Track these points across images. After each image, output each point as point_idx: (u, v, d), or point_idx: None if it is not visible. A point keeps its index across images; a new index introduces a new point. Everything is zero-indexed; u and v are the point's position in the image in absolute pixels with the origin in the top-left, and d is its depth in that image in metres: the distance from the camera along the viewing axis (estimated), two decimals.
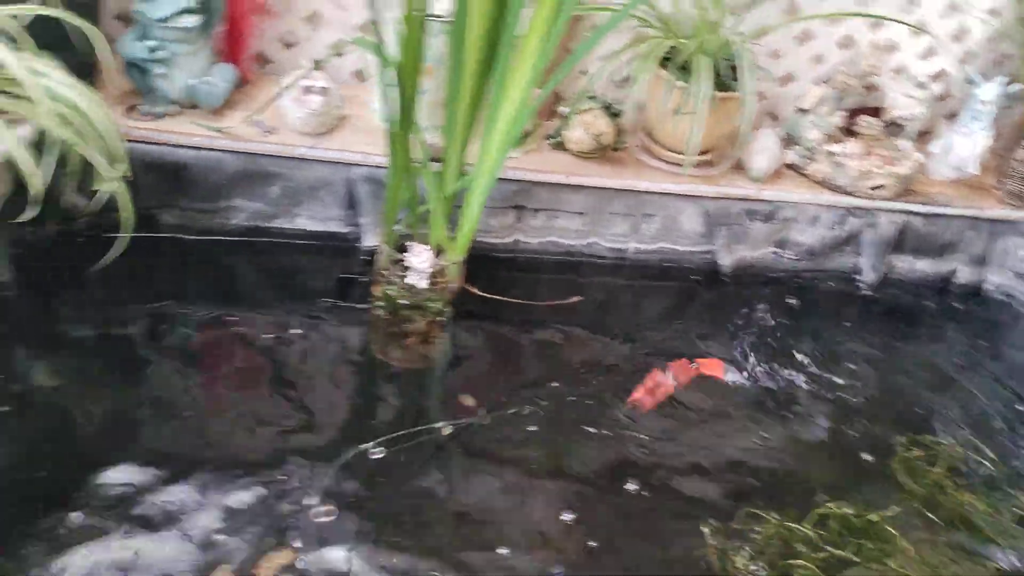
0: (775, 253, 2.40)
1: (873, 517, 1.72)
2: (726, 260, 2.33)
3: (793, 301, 2.35)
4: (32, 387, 1.63)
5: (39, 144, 1.47)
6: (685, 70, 2.04)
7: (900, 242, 2.43)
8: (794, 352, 2.16)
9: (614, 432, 1.83)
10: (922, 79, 2.38)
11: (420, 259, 1.93)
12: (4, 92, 1.38)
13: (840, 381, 2.10)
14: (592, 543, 1.57)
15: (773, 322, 2.25)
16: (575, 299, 2.14)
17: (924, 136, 2.61)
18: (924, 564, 1.66)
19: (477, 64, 1.79)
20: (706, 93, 1.92)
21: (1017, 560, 1.73)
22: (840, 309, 2.40)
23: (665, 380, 1.99)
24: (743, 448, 1.87)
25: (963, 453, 1.95)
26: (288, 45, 2.21)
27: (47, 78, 1.37)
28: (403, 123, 1.78)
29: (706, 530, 1.63)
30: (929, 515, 1.77)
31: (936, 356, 2.28)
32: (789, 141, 2.38)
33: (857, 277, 2.45)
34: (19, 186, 1.55)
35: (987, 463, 1.94)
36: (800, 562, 1.60)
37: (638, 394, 1.93)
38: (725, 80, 2.05)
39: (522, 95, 1.78)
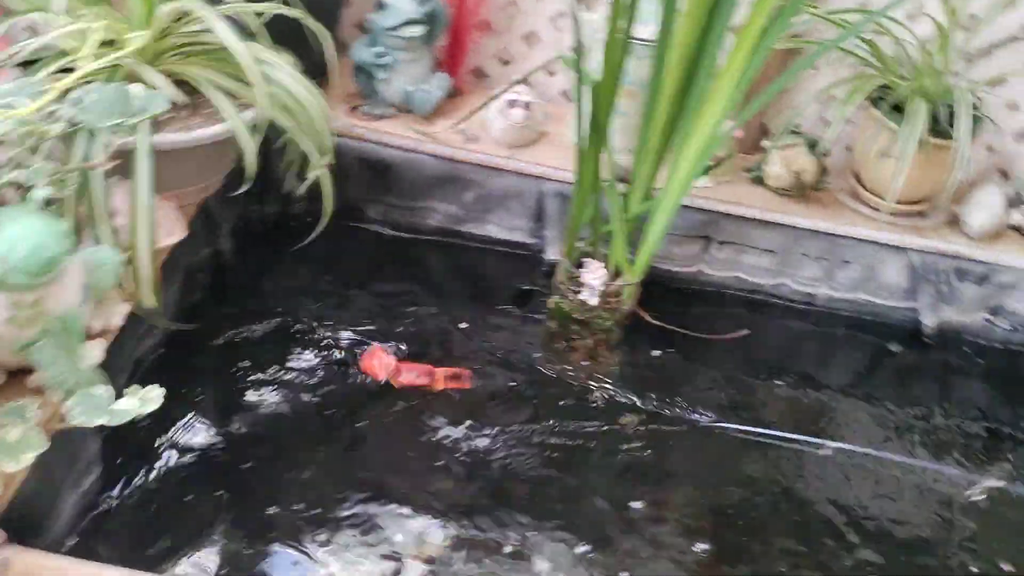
0: (988, 320, 2.19)
1: None
2: (931, 321, 2.16)
3: (996, 376, 2.14)
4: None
5: (266, 130, 1.66)
6: (900, 112, 1.93)
7: None
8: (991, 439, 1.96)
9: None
10: None
11: (594, 276, 1.96)
12: (237, 78, 1.57)
13: None
14: None
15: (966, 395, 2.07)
16: (743, 333, 2.08)
17: None
18: None
19: (674, 89, 1.80)
20: (915, 137, 1.80)
21: None
22: None
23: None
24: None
25: None
26: (504, 62, 2.33)
27: (274, 68, 1.55)
28: (594, 141, 1.83)
29: None
30: None
31: None
32: (1018, 201, 2.17)
33: None
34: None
35: None
36: None
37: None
38: (944, 127, 1.91)
39: (714, 124, 1.76)
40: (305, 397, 1.76)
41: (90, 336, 1.36)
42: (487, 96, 2.12)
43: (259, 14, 1.63)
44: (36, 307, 1.20)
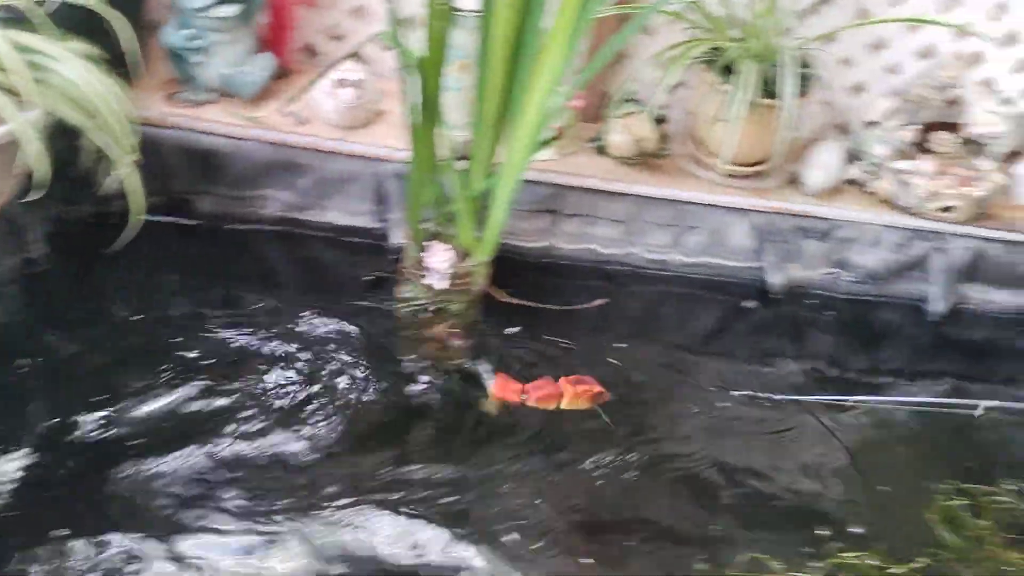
0: (832, 274, 2.24)
1: (896, 569, 1.57)
2: (777, 279, 2.19)
3: (846, 327, 2.20)
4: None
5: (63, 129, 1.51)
6: (735, 73, 1.92)
7: (973, 270, 2.23)
8: (826, 382, 2.02)
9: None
10: (1009, 94, 2.16)
11: (438, 259, 1.89)
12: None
13: (888, 418, 1.95)
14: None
15: (818, 347, 2.11)
16: (600, 302, 2.06)
17: (1015, 157, 2.38)
18: None
19: (503, 61, 1.73)
20: (745, 98, 1.80)
21: None
22: (902, 339, 2.22)
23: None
24: (754, 473, 1.76)
25: (1019, 507, 1.76)
26: (335, 38, 2.21)
27: (54, 60, 1.40)
28: (426, 118, 1.74)
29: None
30: (964, 572, 1.61)
31: (1006, 399, 2.07)
32: (854, 156, 2.22)
33: (925, 306, 2.26)
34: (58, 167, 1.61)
35: None
36: None
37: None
38: (777, 88, 1.91)
39: (546, 94, 1.71)
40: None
41: None
42: (315, 75, 2.00)
43: (39, 2, 1.47)
44: None
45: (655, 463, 1.74)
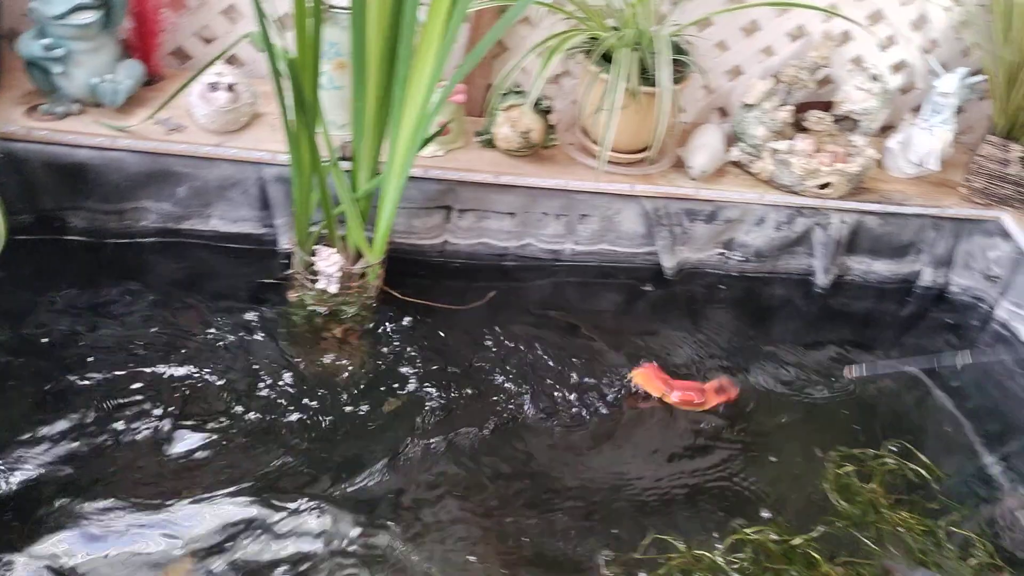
0: (721, 255, 2.29)
1: (795, 540, 1.61)
2: (669, 262, 2.23)
3: (737, 303, 2.26)
4: None
5: None
6: (613, 62, 1.94)
7: (853, 243, 2.31)
8: (723, 357, 2.06)
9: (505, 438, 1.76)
10: (877, 71, 2.25)
11: (327, 263, 1.85)
12: None
13: (780, 391, 2.00)
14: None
15: (713, 325, 2.16)
16: (491, 295, 2.06)
17: (887, 131, 2.49)
18: None
19: (380, 57, 1.70)
20: (621, 86, 1.82)
21: None
22: (790, 311, 2.29)
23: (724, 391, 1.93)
24: (648, 462, 1.78)
25: (902, 467, 1.84)
26: (207, 40, 2.13)
27: None
28: (302, 120, 1.70)
29: (601, 561, 1.54)
30: (860, 536, 1.67)
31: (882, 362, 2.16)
32: (735, 138, 2.27)
33: (811, 279, 2.34)
34: None
35: (930, 477, 1.82)
36: None
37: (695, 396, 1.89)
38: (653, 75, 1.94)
39: (426, 90, 1.69)
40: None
41: None
42: (187, 80, 1.93)
43: None
44: None
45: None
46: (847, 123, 2.29)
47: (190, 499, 1.51)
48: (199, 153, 1.91)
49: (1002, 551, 1.70)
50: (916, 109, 2.52)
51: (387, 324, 1.97)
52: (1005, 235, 2.35)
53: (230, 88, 1.89)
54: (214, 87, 1.88)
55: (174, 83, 2.02)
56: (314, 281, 1.89)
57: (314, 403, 1.75)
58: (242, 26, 2.11)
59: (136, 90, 1.93)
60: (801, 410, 1.95)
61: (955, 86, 2.25)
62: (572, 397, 1.88)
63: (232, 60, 2.09)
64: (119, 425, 1.61)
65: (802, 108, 2.27)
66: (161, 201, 1.96)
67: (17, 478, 1.48)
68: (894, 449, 1.86)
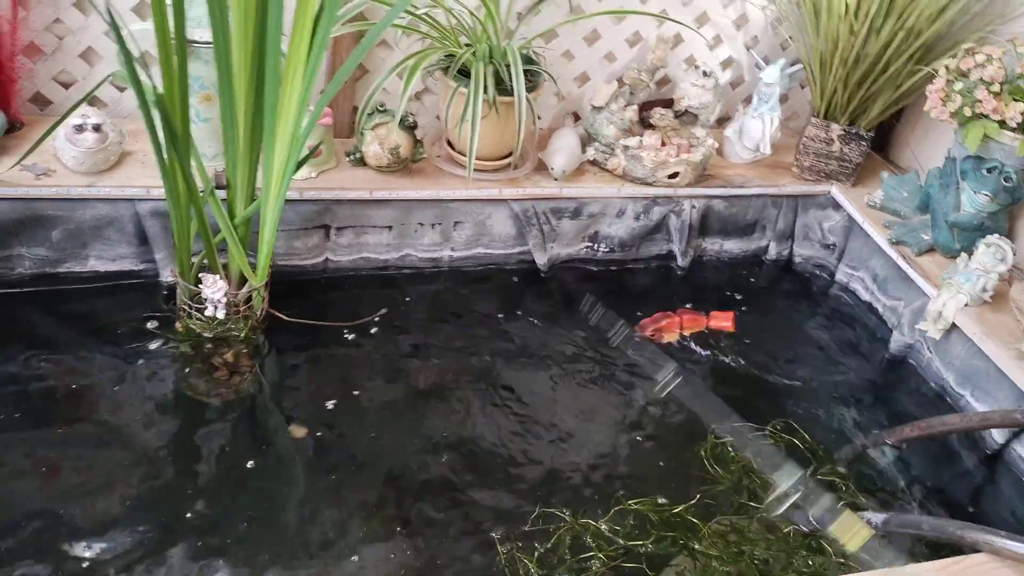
0: (589, 247, 2.46)
1: (676, 508, 1.77)
2: (541, 259, 2.38)
3: (609, 290, 2.43)
4: None
5: None
6: (471, 76, 2.07)
7: (705, 225, 2.53)
8: (593, 340, 2.23)
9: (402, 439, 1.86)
10: (709, 68, 2.48)
11: (213, 289, 1.89)
12: None
13: (661, 364, 2.17)
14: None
15: (587, 313, 2.32)
16: (381, 312, 2.14)
17: (724, 122, 2.73)
18: (728, 545, 1.71)
19: (246, 88, 1.77)
20: (479, 97, 1.95)
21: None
22: (657, 292, 2.48)
23: (673, 321, 2.29)
24: (534, 443, 1.91)
25: (779, 438, 2.02)
26: (66, 85, 2.14)
27: None
28: (174, 153, 1.75)
29: (496, 536, 1.65)
30: (733, 498, 1.83)
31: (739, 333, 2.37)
32: (589, 138, 2.45)
33: (672, 263, 2.54)
34: None
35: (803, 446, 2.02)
36: (593, 556, 1.63)
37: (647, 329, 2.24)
38: (508, 86, 2.09)
39: (295, 115, 1.77)
40: None
41: None
42: (50, 125, 1.94)
43: None
44: None
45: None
46: (688, 117, 2.52)
47: None
48: (71, 195, 1.92)
49: (862, 487, 1.92)
50: (747, 100, 2.78)
51: (276, 346, 2.03)
52: (836, 206, 2.63)
53: (96, 128, 1.92)
54: (80, 128, 1.90)
55: (36, 129, 2.03)
56: (201, 309, 1.93)
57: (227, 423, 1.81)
58: (100, 68, 2.13)
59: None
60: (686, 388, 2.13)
61: (776, 76, 2.50)
62: (468, 394, 1.99)
63: (93, 101, 2.10)
64: None
65: (646, 107, 2.47)
66: (36, 246, 1.96)
67: None
68: (779, 428, 2.05)
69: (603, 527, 1.69)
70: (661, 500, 1.79)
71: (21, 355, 1.86)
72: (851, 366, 2.33)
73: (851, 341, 2.42)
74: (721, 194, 2.51)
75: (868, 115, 2.53)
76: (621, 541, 1.67)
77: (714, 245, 2.59)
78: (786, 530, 1.77)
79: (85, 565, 1.48)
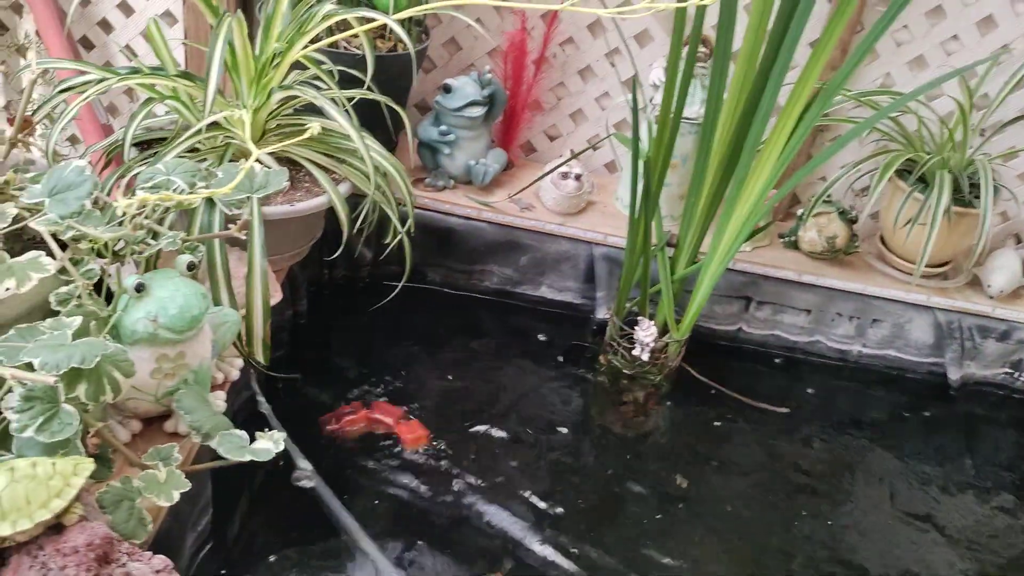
0: (1008, 374, 2.34)
1: None
2: (955, 375, 2.31)
3: (1016, 418, 2.29)
4: None
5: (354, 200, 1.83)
6: (924, 183, 2.10)
7: None
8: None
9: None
10: None
11: (646, 333, 2.11)
12: (328, 155, 1.76)
13: None
14: None
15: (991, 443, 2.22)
16: (783, 410, 2.22)
17: None
18: None
19: (719, 164, 1.97)
20: (943, 206, 1.98)
21: None
22: None
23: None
24: None
25: None
26: (552, 137, 2.52)
27: (369, 148, 1.72)
28: (645, 210, 2.00)
29: None
30: None
31: None
32: None
33: None
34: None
35: None
36: None
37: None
38: (964, 197, 2.09)
39: (758, 195, 1.93)
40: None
41: (214, 387, 1.50)
42: (540, 169, 2.30)
43: (350, 99, 1.82)
44: (179, 360, 1.35)
45: None
46: None
47: None
48: (545, 229, 2.26)
49: None
50: None
51: (680, 397, 2.20)
52: None
53: (577, 178, 2.24)
54: (565, 176, 2.23)
55: (523, 170, 2.41)
56: (628, 348, 2.15)
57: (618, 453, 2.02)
58: (584, 127, 2.47)
59: (499, 174, 2.32)
60: None
61: None
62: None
63: (574, 155, 2.45)
64: None
65: None
66: (505, 267, 2.33)
67: None
68: None
69: None
70: None
71: (467, 344, 2.27)
72: None
73: None
74: None
75: None
76: None
77: None
78: None
79: None
